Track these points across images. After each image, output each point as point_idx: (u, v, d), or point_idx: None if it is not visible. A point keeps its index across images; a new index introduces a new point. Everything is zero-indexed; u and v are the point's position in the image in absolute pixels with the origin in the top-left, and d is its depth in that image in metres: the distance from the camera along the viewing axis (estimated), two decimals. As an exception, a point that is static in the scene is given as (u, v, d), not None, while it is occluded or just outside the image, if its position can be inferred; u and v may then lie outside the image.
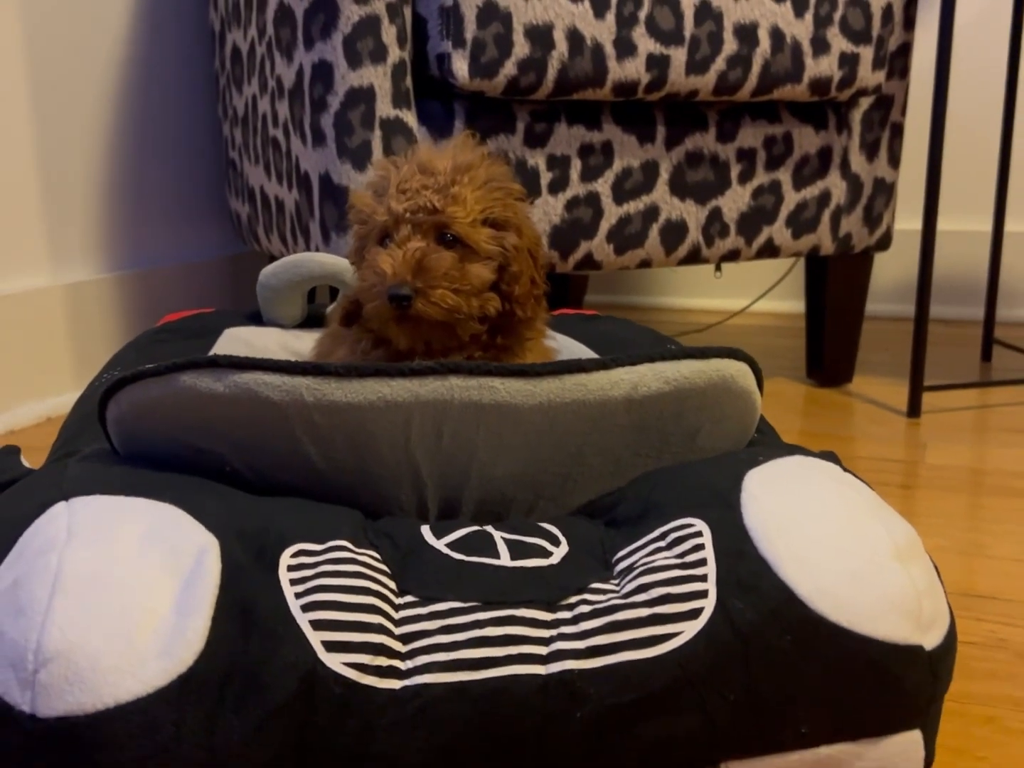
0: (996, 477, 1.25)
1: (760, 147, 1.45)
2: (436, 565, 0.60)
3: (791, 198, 1.49)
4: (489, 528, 0.65)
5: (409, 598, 0.58)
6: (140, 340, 1.10)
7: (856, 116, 1.52)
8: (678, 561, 0.59)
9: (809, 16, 1.37)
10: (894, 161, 1.57)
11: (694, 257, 1.46)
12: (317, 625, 0.54)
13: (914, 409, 1.48)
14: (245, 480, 0.68)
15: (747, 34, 1.33)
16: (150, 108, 1.77)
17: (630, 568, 0.60)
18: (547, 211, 1.34)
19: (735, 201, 1.45)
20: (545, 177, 1.33)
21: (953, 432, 1.43)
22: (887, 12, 1.42)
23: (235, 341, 1.10)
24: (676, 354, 0.71)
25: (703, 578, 0.58)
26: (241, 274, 1.91)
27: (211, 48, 1.76)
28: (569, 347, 1.05)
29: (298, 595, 0.56)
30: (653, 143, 1.39)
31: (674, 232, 1.42)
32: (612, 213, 1.38)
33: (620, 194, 1.38)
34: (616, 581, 0.60)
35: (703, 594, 0.57)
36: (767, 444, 0.79)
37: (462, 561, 0.60)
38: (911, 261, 1.82)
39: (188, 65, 1.83)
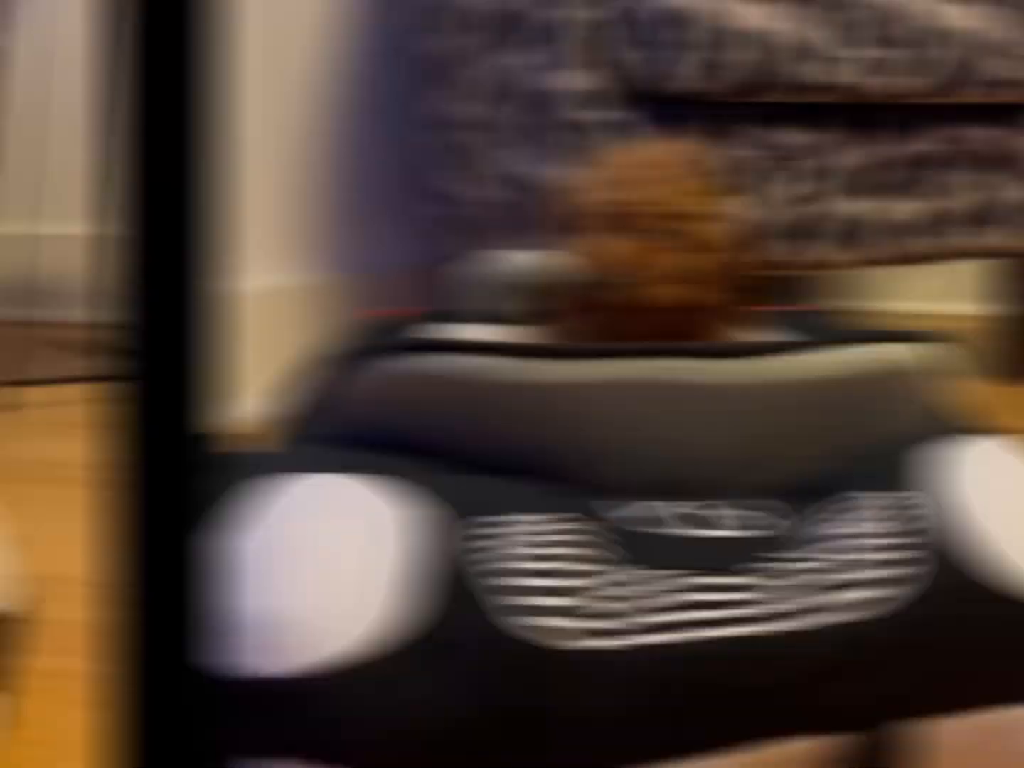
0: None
1: None
2: (651, 536, 0.64)
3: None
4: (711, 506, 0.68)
5: (614, 566, 0.62)
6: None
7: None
8: (895, 528, 0.62)
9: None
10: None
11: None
12: (518, 591, 0.58)
13: None
14: (455, 460, 0.74)
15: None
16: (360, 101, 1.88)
17: (840, 537, 0.63)
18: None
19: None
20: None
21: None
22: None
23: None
24: (869, 336, 0.73)
25: (917, 547, 0.60)
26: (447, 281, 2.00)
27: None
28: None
29: (507, 556, 0.60)
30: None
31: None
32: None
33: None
34: (827, 546, 0.63)
35: (916, 561, 0.60)
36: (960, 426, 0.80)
37: (684, 535, 0.64)
38: None
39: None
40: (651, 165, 0.85)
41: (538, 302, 1.18)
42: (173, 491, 0.45)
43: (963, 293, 2.10)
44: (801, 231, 1.38)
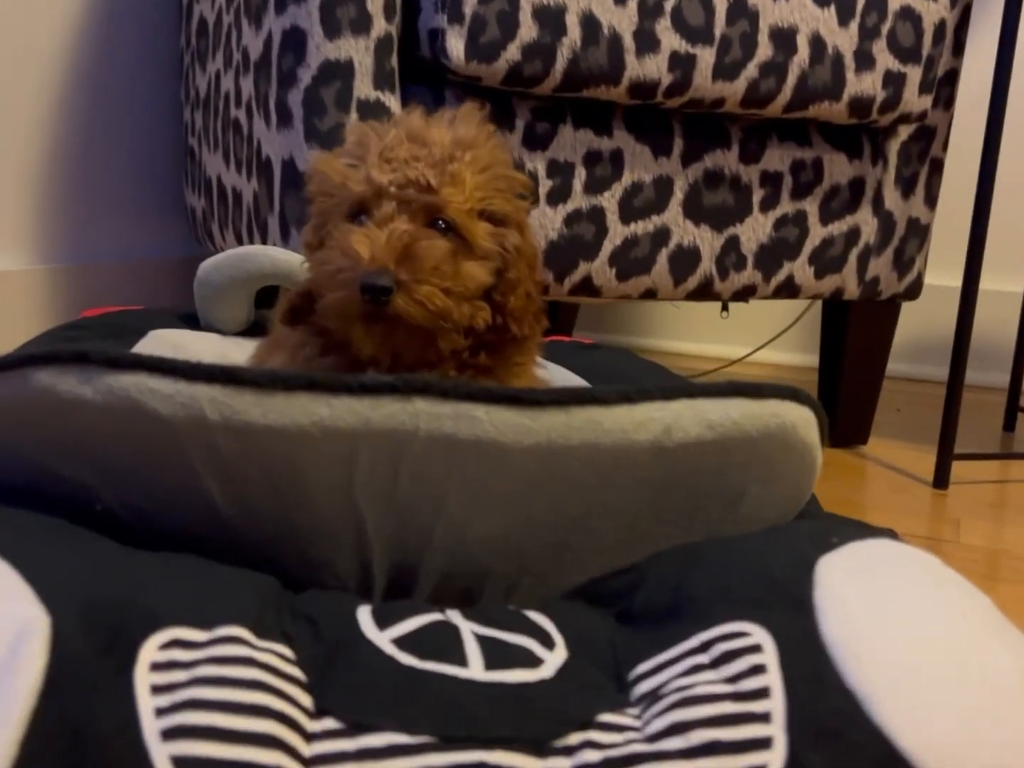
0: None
1: (787, 172, 1.28)
2: (374, 672, 0.41)
3: (816, 232, 1.32)
4: (455, 617, 0.46)
5: (330, 723, 0.38)
6: (53, 333, 0.91)
7: (893, 147, 1.36)
8: (729, 690, 0.41)
9: (854, 25, 1.20)
10: (931, 201, 1.41)
11: (705, 291, 1.28)
12: (182, 764, 0.35)
13: (941, 479, 1.30)
14: (120, 523, 0.49)
15: (784, 39, 1.17)
16: (105, 87, 1.58)
17: (657, 693, 0.41)
18: (544, 223, 1.16)
19: (755, 231, 1.28)
20: (544, 185, 1.15)
21: (984, 508, 1.25)
22: (939, 30, 1.26)
23: (161, 344, 0.91)
24: (723, 389, 0.52)
25: (765, 717, 0.39)
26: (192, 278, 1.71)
27: (178, 24, 1.58)
28: (563, 378, 0.87)
29: (160, 711, 0.37)
30: (668, 157, 1.21)
31: (685, 259, 1.25)
32: (617, 232, 1.20)
33: (628, 211, 1.20)
34: (636, 711, 0.41)
35: (766, 743, 0.39)
36: (819, 516, 0.61)
37: (412, 668, 0.41)
38: (924, 316, 1.66)
39: (152, 42, 1.64)
40: (417, 140, 0.63)
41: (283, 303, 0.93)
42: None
43: (754, 338, 2.00)
44: (571, 251, 1.18)
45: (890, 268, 1.39)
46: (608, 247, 1.20)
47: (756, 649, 0.42)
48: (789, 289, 1.33)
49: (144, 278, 1.63)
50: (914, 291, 1.43)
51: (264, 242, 1.16)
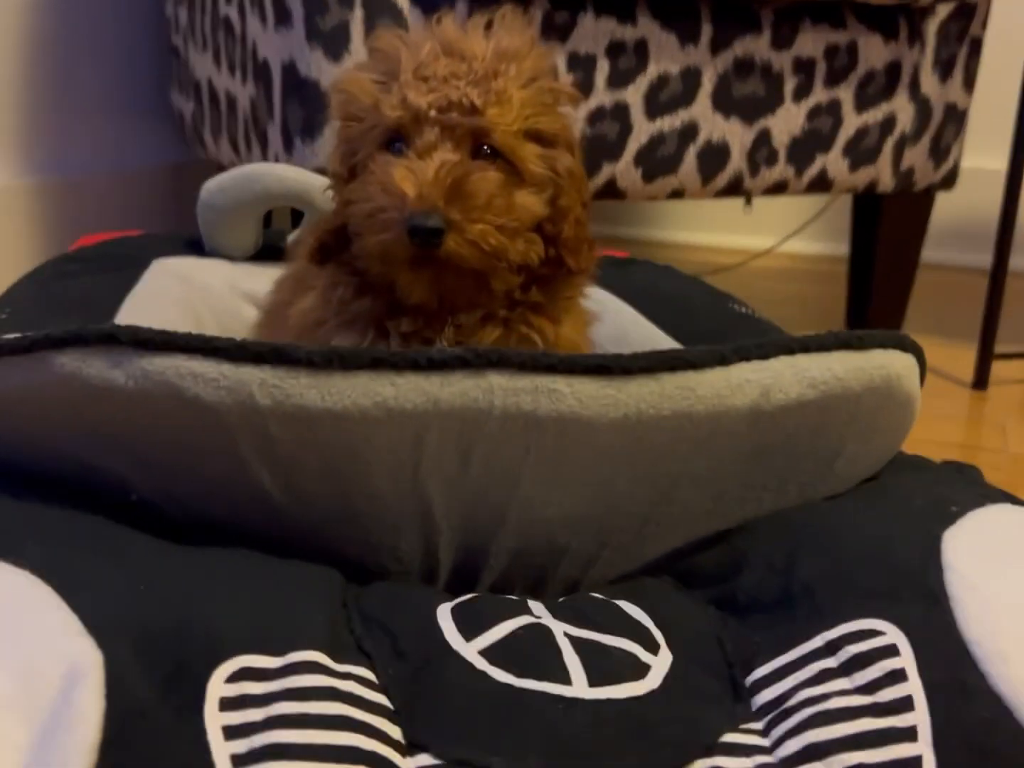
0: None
1: (820, 57, 1.19)
2: (468, 695, 0.36)
3: (851, 121, 1.24)
4: (544, 615, 0.41)
5: (426, 760, 0.34)
6: (44, 270, 0.84)
7: (931, 27, 1.26)
8: (867, 701, 0.36)
9: None
10: (969, 84, 1.32)
11: (735, 188, 1.21)
12: None
13: (981, 379, 1.26)
14: (159, 514, 0.44)
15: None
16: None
17: (784, 705, 0.37)
18: (565, 124, 1.08)
19: (787, 122, 1.20)
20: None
21: (1028, 410, 1.21)
22: None
23: (168, 277, 0.84)
24: (824, 342, 0.47)
25: (910, 734, 0.35)
26: (185, 186, 1.62)
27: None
28: (610, 306, 0.81)
29: (237, 760, 0.32)
30: (696, 45, 1.13)
31: (714, 156, 1.17)
32: (643, 130, 1.12)
33: (654, 106, 1.12)
34: (760, 726, 0.37)
35: (915, 764, 0.34)
36: (915, 466, 0.56)
37: (510, 688, 0.36)
38: (962, 201, 1.57)
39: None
40: (455, 54, 0.56)
41: (287, 231, 0.86)
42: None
43: (780, 228, 1.92)
44: (593, 152, 1.11)
45: (926, 157, 1.31)
46: (633, 146, 1.13)
47: (891, 651, 0.37)
48: (822, 183, 1.26)
49: (134, 187, 1.54)
50: (950, 180, 1.36)
51: (264, 154, 1.08)
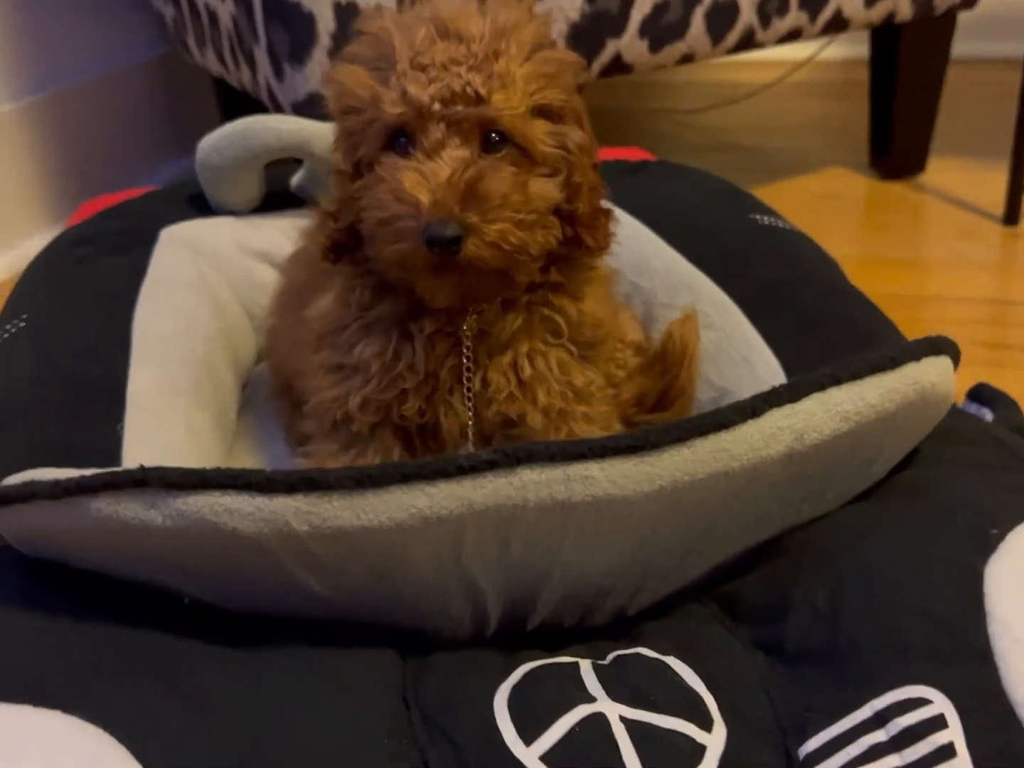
0: None
1: None
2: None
3: (865, -49, 1.15)
4: (600, 696, 0.42)
5: None
6: (53, 256, 0.82)
7: None
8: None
9: None
10: None
11: (747, 43, 1.14)
12: None
13: (1012, 213, 1.22)
14: (211, 610, 0.45)
15: None
16: None
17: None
18: (563, 4, 1.02)
19: (797, -36, 1.12)
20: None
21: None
22: None
23: (179, 249, 0.82)
24: (855, 370, 0.46)
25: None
26: (173, 79, 1.56)
27: None
28: (629, 231, 0.77)
29: None
30: None
31: (723, 14, 1.11)
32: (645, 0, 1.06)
33: (655, -28, 1.05)
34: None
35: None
36: (955, 439, 0.55)
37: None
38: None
39: None
40: (450, 35, 0.53)
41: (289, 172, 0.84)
42: None
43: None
44: (596, 30, 1.05)
45: (947, -24, 1.23)
46: (637, 17, 1.06)
47: (939, 723, 0.39)
48: (837, 24, 1.18)
49: (119, 92, 1.48)
50: (973, -2, 1.28)
51: (254, 76, 1.03)
